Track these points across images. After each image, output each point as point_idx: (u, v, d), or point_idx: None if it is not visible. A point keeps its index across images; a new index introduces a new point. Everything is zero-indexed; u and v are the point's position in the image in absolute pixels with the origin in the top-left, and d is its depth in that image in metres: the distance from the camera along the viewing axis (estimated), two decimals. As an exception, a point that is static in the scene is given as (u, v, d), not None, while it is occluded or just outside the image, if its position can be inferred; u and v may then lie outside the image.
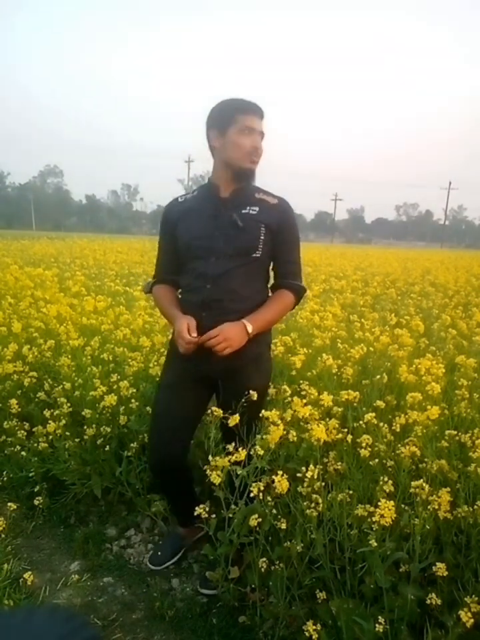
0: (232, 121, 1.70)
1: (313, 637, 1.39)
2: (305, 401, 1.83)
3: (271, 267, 1.88)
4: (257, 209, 1.75)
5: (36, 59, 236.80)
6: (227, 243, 1.71)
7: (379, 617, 1.37)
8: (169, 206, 1.91)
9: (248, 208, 1.74)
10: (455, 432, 1.77)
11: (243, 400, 1.58)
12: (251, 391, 1.61)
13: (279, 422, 1.50)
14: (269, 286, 1.89)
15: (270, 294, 1.87)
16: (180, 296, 1.87)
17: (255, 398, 1.60)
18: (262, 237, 1.73)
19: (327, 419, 1.73)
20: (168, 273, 1.92)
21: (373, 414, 1.70)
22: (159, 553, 2.05)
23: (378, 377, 2.28)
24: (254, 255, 1.73)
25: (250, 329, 1.67)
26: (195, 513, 1.58)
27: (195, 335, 1.65)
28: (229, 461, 1.47)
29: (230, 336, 1.62)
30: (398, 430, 1.77)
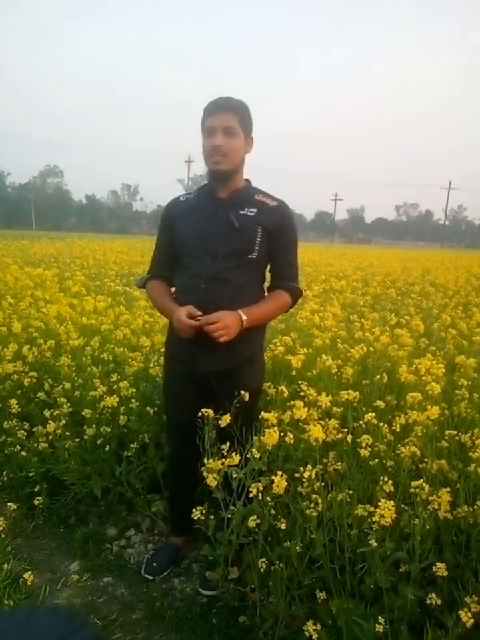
0: (203, 125, 1.73)
1: (313, 637, 1.39)
2: (304, 401, 1.83)
3: (267, 269, 1.89)
4: (254, 210, 1.75)
5: (36, 59, 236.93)
6: (223, 243, 1.72)
7: (379, 617, 1.37)
8: (170, 204, 1.92)
9: (246, 209, 1.75)
10: (455, 432, 1.77)
11: (236, 401, 1.58)
12: (242, 392, 1.61)
13: (276, 424, 1.50)
14: (265, 287, 1.90)
15: (266, 294, 1.88)
16: (175, 296, 1.87)
17: (247, 398, 1.60)
18: (258, 239, 1.73)
19: (327, 419, 1.73)
20: (162, 269, 1.94)
21: (373, 414, 1.70)
22: (154, 564, 2.02)
23: (378, 377, 2.28)
24: (250, 257, 1.74)
25: (245, 319, 1.68)
26: (193, 515, 1.58)
27: (199, 313, 1.66)
28: (223, 463, 1.47)
29: (228, 323, 1.63)
30: (398, 430, 1.77)
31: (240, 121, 1.71)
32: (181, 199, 1.90)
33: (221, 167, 1.71)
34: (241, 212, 1.74)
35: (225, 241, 1.72)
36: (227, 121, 1.68)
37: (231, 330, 1.64)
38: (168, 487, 2.19)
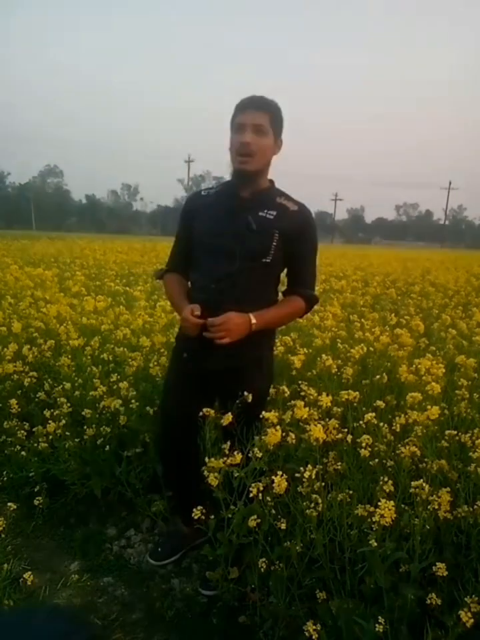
0: (232, 121, 1.71)
1: (313, 637, 1.39)
2: (304, 401, 1.83)
3: (283, 273, 1.86)
4: (274, 213, 1.72)
5: (36, 58, 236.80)
6: (238, 245, 1.69)
7: (379, 617, 1.37)
8: (191, 197, 1.91)
9: (265, 211, 1.71)
10: (455, 432, 1.77)
11: (238, 402, 1.57)
12: (245, 393, 1.59)
13: (276, 423, 1.50)
14: (280, 291, 1.88)
15: (280, 298, 1.86)
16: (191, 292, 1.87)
17: (250, 400, 1.58)
18: (274, 243, 1.70)
19: (327, 419, 1.73)
20: (180, 263, 1.93)
21: (373, 414, 1.70)
22: (159, 549, 2.05)
23: (378, 377, 2.28)
24: (264, 260, 1.71)
25: (254, 322, 1.66)
26: (194, 515, 1.58)
27: (197, 313, 1.66)
28: (225, 462, 1.47)
29: (231, 327, 1.61)
30: (398, 430, 1.77)
31: (271, 120, 1.68)
32: (203, 193, 1.88)
33: (247, 167, 1.68)
34: (260, 214, 1.71)
35: (240, 242, 1.69)
36: (258, 118, 1.65)
37: (232, 332, 1.62)
38: (167, 485, 2.20)
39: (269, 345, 1.88)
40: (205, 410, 1.59)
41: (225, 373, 1.77)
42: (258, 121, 1.65)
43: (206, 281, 1.74)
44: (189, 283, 1.90)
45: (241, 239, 1.69)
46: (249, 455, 1.50)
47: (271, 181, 1.82)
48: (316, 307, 3.79)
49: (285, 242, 1.72)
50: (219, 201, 1.79)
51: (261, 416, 1.54)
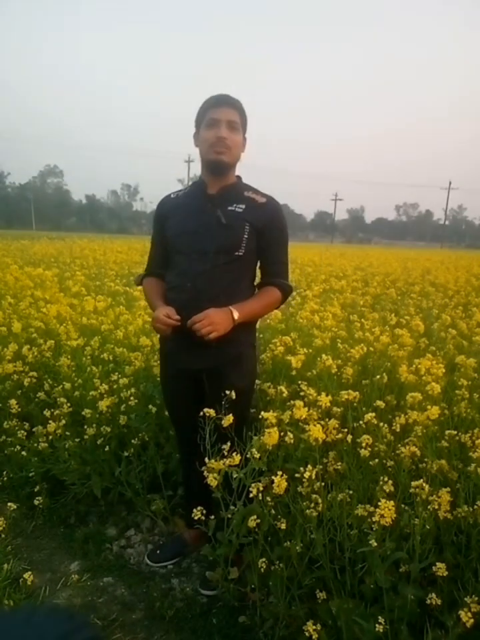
0: (203, 118, 1.73)
1: (313, 637, 1.39)
2: (304, 401, 1.83)
3: (257, 266, 1.88)
4: (243, 206, 1.74)
5: (36, 59, 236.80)
6: (210, 240, 1.71)
7: (379, 617, 1.37)
8: (162, 201, 1.93)
9: (234, 205, 1.74)
10: (455, 432, 1.77)
11: (224, 401, 1.56)
12: (228, 391, 1.59)
13: (275, 424, 1.49)
14: (255, 284, 1.90)
15: (256, 291, 1.87)
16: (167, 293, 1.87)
17: (234, 397, 1.58)
18: (245, 236, 1.72)
19: (327, 419, 1.73)
20: (158, 267, 1.95)
21: (373, 414, 1.70)
22: (158, 551, 2.07)
23: (378, 377, 2.28)
24: (237, 253, 1.73)
25: (236, 315, 1.67)
26: (193, 516, 1.58)
27: (177, 317, 1.66)
28: (224, 463, 1.47)
29: (215, 320, 1.62)
30: (398, 430, 1.77)
31: (240, 118, 1.73)
32: (172, 195, 1.91)
33: (224, 157, 1.71)
34: (229, 208, 1.73)
35: (212, 237, 1.71)
36: (231, 115, 1.70)
37: (218, 326, 1.62)
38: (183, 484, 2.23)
39: (248, 342, 1.87)
40: (205, 410, 1.58)
41: (206, 372, 1.78)
42: (231, 118, 1.70)
43: (182, 281, 1.75)
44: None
45: (213, 234, 1.71)
46: (247, 455, 1.50)
47: (239, 177, 1.85)
48: (316, 307, 3.81)
49: (256, 234, 1.74)
50: (188, 201, 1.83)
51: (248, 415, 1.54)
